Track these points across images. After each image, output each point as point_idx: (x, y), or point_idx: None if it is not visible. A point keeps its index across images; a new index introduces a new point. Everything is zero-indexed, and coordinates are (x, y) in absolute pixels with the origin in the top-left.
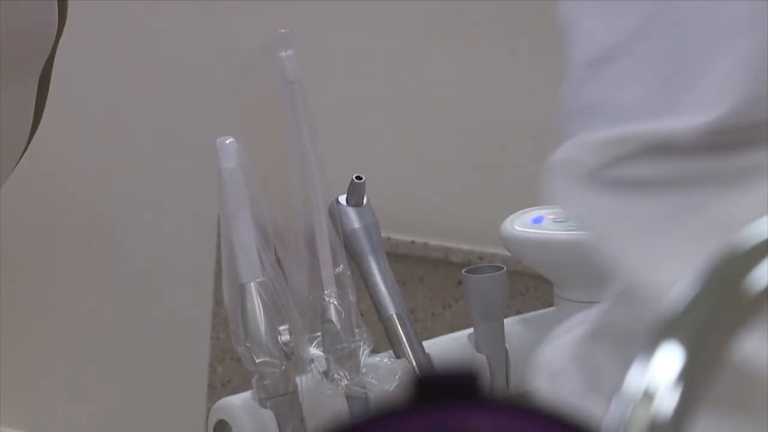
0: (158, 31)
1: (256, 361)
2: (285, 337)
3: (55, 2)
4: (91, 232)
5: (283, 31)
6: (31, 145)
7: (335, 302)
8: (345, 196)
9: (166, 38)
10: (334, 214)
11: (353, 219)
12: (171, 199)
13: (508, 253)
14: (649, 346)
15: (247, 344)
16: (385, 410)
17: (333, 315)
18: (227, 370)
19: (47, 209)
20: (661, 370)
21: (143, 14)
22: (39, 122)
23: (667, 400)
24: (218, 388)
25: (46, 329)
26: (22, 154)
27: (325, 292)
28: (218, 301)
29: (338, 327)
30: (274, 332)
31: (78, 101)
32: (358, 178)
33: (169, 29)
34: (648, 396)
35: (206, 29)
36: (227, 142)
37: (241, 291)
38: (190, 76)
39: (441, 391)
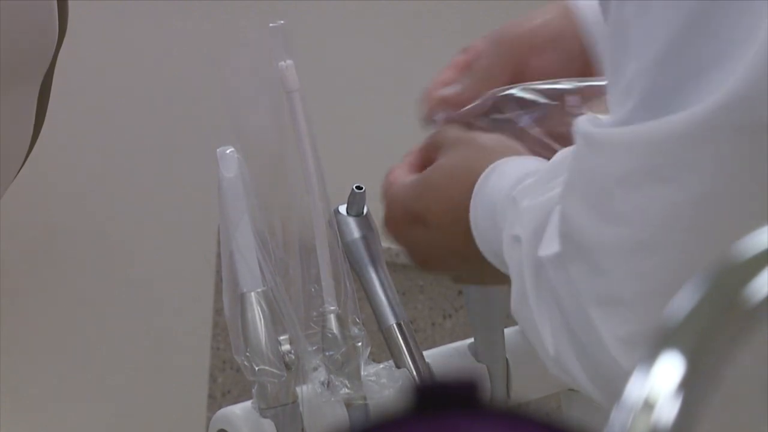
0: (159, 39)
1: (257, 370)
2: (285, 347)
3: (56, 13)
4: (91, 242)
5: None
6: (31, 154)
7: (335, 312)
8: (345, 205)
9: (167, 46)
10: (334, 224)
11: (353, 229)
12: (171, 209)
13: None
14: (649, 355)
15: (248, 354)
16: (386, 419)
17: (333, 325)
18: (227, 380)
19: (47, 218)
20: (662, 380)
21: (144, 22)
22: (39, 132)
23: (667, 410)
24: (218, 397)
25: (47, 339)
26: (23, 165)
27: (326, 302)
28: (218, 311)
29: (338, 337)
30: (274, 342)
31: (77, 110)
32: (359, 188)
33: (170, 37)
34: (648, 405)
35: (208, 35)
36: (228, 151)
37: (241, 301)
38: (190, 86)
39: (441, 400)
